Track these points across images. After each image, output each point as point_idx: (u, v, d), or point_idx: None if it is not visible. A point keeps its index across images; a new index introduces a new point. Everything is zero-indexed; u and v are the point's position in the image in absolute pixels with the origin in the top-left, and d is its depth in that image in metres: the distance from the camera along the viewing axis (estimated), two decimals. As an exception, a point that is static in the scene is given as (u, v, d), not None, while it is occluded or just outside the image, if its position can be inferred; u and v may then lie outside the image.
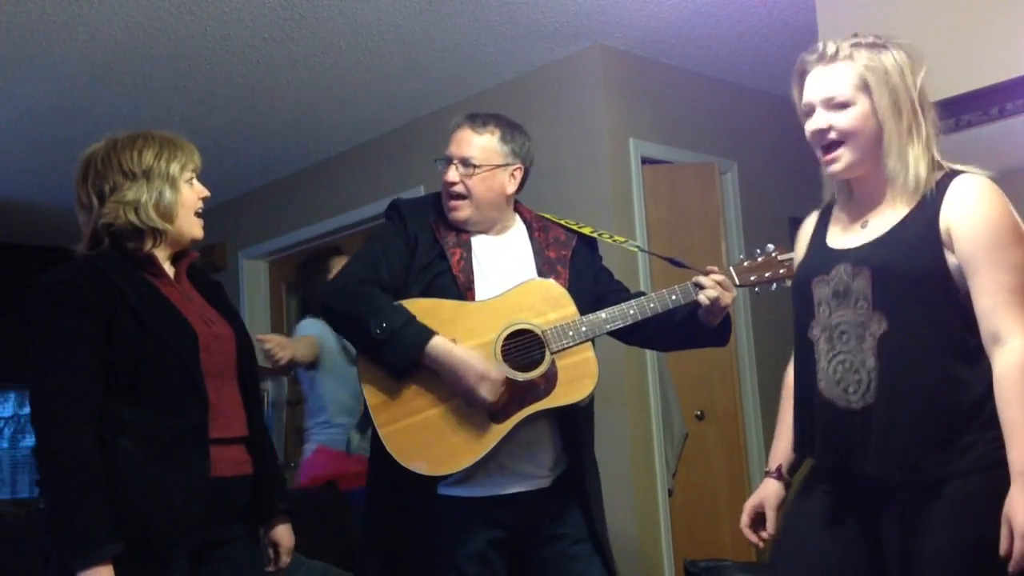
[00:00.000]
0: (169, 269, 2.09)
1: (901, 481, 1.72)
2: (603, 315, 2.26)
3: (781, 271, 2.29)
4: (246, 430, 2.07)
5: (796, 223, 2.11)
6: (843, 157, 1.82)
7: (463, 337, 2.21)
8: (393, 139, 4.93)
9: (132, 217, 1.99)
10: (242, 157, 5.21)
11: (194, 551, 1.94)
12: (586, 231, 2.50)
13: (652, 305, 2.27)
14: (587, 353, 2.26)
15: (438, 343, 2.16)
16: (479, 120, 2.40)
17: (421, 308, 2.21)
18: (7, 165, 5.09)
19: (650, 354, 3.90)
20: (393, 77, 4.27)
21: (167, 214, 2.02)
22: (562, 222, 2.50)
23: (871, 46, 1.82)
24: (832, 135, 1.82)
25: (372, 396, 2.22)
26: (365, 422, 2.27)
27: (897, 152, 1.78)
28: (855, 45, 1.83)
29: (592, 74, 4.08)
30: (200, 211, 2.11)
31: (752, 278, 2.30)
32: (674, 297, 2.27)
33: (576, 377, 2.24)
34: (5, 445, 7.65)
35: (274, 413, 5.58)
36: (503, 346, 2.22)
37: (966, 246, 1.71)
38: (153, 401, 1.91)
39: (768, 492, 1.98)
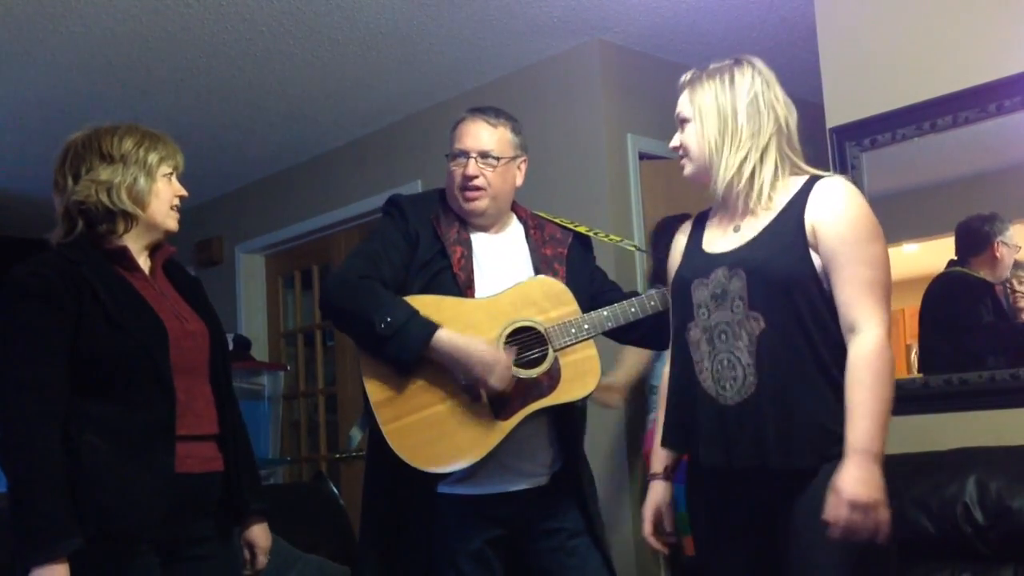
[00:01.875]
0: (145, 263, 2.07)
1: (776, 471, 1.81)
2: (605, 312, 2.27)
3: None
4: (217, 427, 2.05)
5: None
6: (686, 166, 2.03)
7: (465, 335, 2.19)
8: (390, 134, 4.92)
9: (103, 197, 1.98)
10: (239, 151, 5.20)
11: (165, 548, 1.92)
12: (581, 230, 2.49)
13: (653, 303, 2.27)
14: (590, 351, 2.26)
15: (444, 336, 2.15)
16: (490, 113, 2.39)
17: (422, 305, 2.19)
18: (3, 158, 5.08)
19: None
20: (390, 72, 4.26)
21: (139, 199, 2.01)
22: (557, 220, 2.49)
23: (714, 70, 1.98)
24: (680, 150, 2.03)
25: (374, 393, 2.20)
26: (366, 419, 2.25)
27: (713, 161, 1.95)
28: (700, 74, 2.00)
29: (590, 69, 4.07)
30: (176, 206, 2.09)
31: None
32: None
33: (579, 374, 2.24)
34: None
35: (270, 407, 5.58)
36: (506, 344, 2.21)
37: (828, 243, 1.84)
38: (120, 396, 1.89)
39: (661, 495, 2.08)
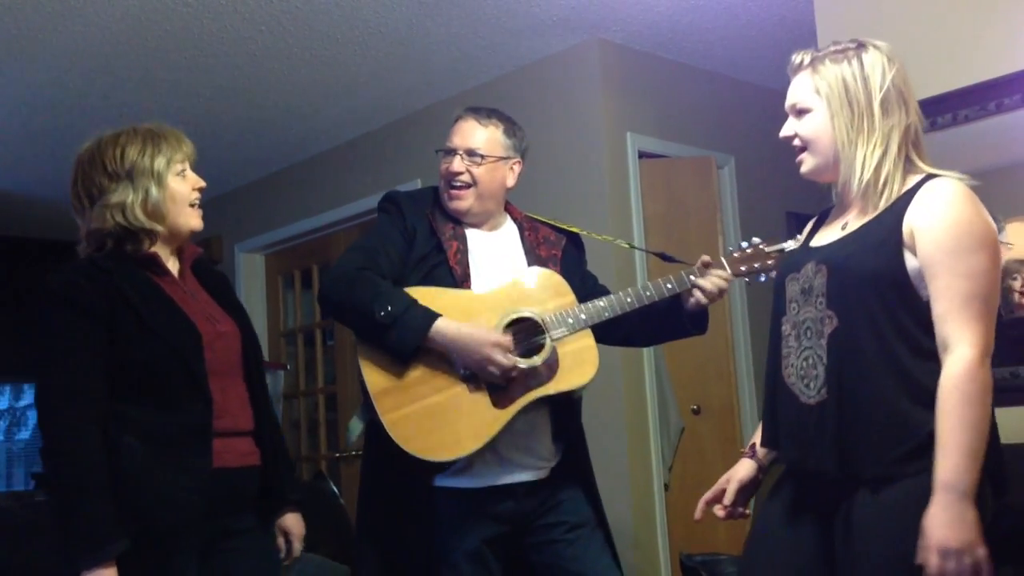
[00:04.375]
0: (174, 266, 2.08)
1: (852, 477, 1.73)
2: (601, 303, 2.29)
3: (768, 262, 2.32)
4: (252, 424, 2.07)
5: (793, 217, 2.13)
6: (806, 161, 1.88)
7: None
8: (390, 132, 4.93)
9: (120, 220, 1.98)
10: (238, 150, 5.21)
11: (205, 543, 1.95)
12: (574, 230, 2.52)
13: (648, 293, 2.30)
14: (587, 340, 2.28)
15: (443, 323, 2.17)
16: (483, 113, 2.42)
17: (420, 296, 2.22)
18: (4, 158, 5.08)
19: (647, 348, 3.90)
20: (390, 70, 4.27)
21: (156, 213, 2.01)
22: (551, 221, 2.51)
23: (838, 52, 1.83)
24: (796, 142, 1.88)
25: (374, 384, 2.22)
26: (366, 410, 2.26)
27: (846, 156, 1.80)
28: (820, 55, 1.85)
29: (589, 68, 4.07)
30: (196, 202, 2.09)
31: (743, 268, 2.33)
32: (669, 286, 2.29)
33: (577, 363, 2.26)
34: (1, 438, 7.64)
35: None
36: (504, 332, 2.22)
37: (925, 249, 1.71)
38: (157, 399, 1.92)
39: (736, 469, 2.02)
